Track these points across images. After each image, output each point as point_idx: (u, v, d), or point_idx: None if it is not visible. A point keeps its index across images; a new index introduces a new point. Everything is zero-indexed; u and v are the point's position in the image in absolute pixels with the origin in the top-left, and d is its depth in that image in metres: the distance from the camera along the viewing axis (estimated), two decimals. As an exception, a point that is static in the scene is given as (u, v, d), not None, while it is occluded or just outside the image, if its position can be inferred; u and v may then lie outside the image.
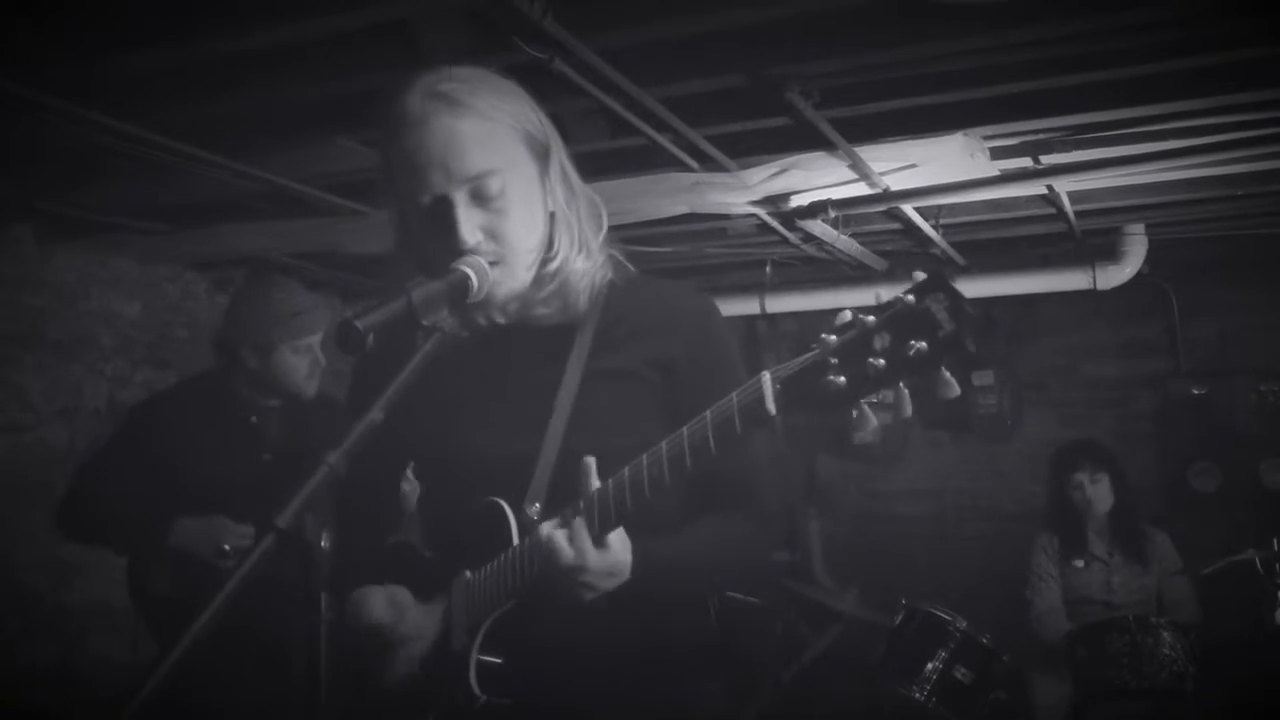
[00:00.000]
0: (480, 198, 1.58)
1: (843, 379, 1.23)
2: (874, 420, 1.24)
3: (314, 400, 3.41)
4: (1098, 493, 4.82)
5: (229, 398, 3.33)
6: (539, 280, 1.67)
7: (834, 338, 1.25)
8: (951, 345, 1.16)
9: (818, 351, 1.26)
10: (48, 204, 4.16)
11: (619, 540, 1.49)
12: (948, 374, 1.18)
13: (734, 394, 1.35)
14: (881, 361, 1.20)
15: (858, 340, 1.22)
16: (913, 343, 1.17)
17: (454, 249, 1.56)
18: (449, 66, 1.64)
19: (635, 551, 1.52)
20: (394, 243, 1.74)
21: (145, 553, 3.20)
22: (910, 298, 1.19)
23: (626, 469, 1.46)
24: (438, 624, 1.73)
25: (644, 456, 1.45)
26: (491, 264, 1.58)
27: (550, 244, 1.68)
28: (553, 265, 1.67)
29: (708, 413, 1.38)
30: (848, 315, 1.25)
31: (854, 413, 1.24)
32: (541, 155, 1.67)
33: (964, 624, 4.49)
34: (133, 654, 3.28)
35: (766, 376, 1.31)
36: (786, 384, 1.29)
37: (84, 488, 3.27)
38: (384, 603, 1.75)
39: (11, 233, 4.46)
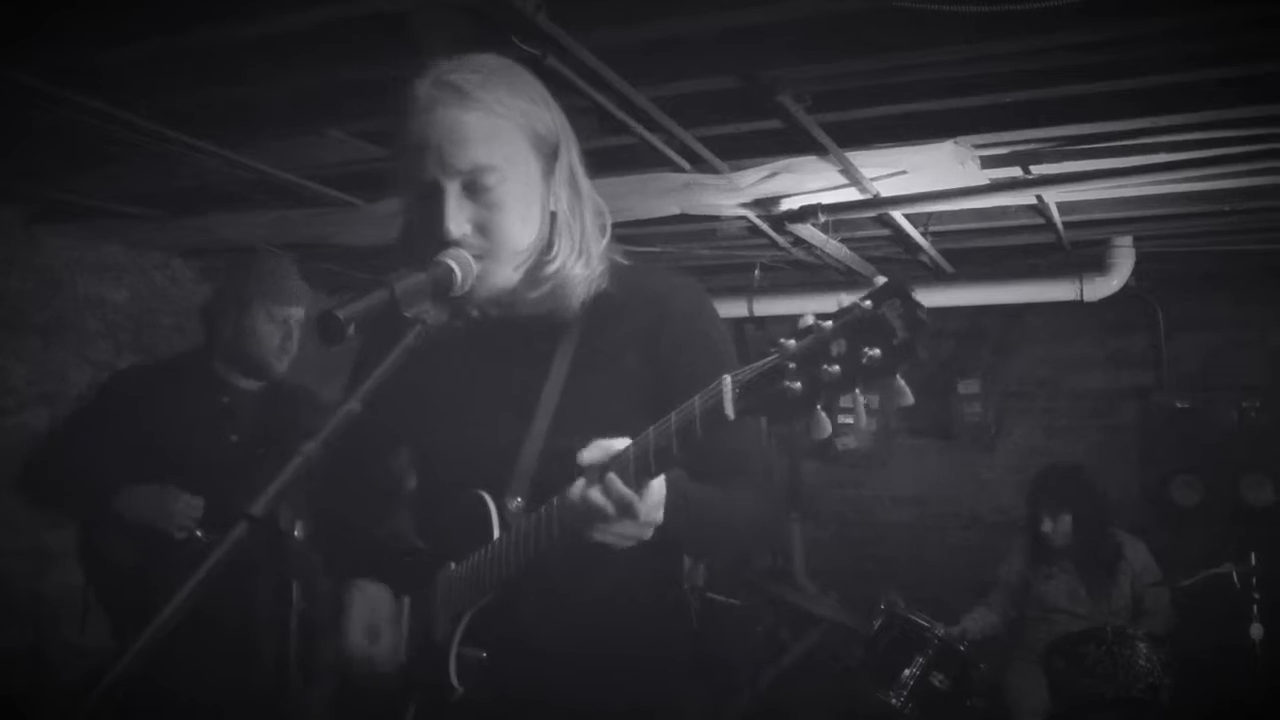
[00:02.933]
0: (473, 190, 1.57)
1: (799, 384, 1.22)
2: (829, 426, 1.23)
3: (288, 389, 3.42)
4: (1058, 531, 4.89)
5: (205, 376, 3.34)
6: (533, 280, 1.65)
7: (793, 342, 1.24)
8: (904, 353, 1.16)
9: (776, 356, 1.25)
10: (37, 188, 4.15)
11: (658, 483, 1.44)
12: (901, 382, 1.18)
13: (696, 398, 1.34)
14: (836, 368, 1.19)
15: (814, 346, 1.22)
16: (866, 350, 1.17)
17: (440, 238, 1.56)
18: (467, 54, 1.63)
19: (671, 488, 1.48)
20: (399, 230, 1.74)
21: (96, 520, 3.18)
22: (868, 304, 1.19)
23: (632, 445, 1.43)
24: (420, 617, 1.73)
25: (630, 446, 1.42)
26: (477, 258, 1.57)
27: (550, 245, 1.66)
28: (550, 267, 1.65)
29: (671, 415, 1.37)
30: (809, 319, 1.24)
31: (810, 419, 1.24)
32: (548, 155, 1.65)
33: (942, 631, 4.51)
34: (108, 639, 3.28)
35: (727, 380, 1.30)
36: (745, 388, 1.28)
37: (50, 450, 3.27)
38: (360, 619, 1.76)
39: (-1, 217, 4.45)
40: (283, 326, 3.33)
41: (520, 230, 1.62)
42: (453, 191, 1.56)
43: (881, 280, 1.21)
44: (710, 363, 1.39)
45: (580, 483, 1.44)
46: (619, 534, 1.44)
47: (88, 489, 3.17)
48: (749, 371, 1.28)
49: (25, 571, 4.42)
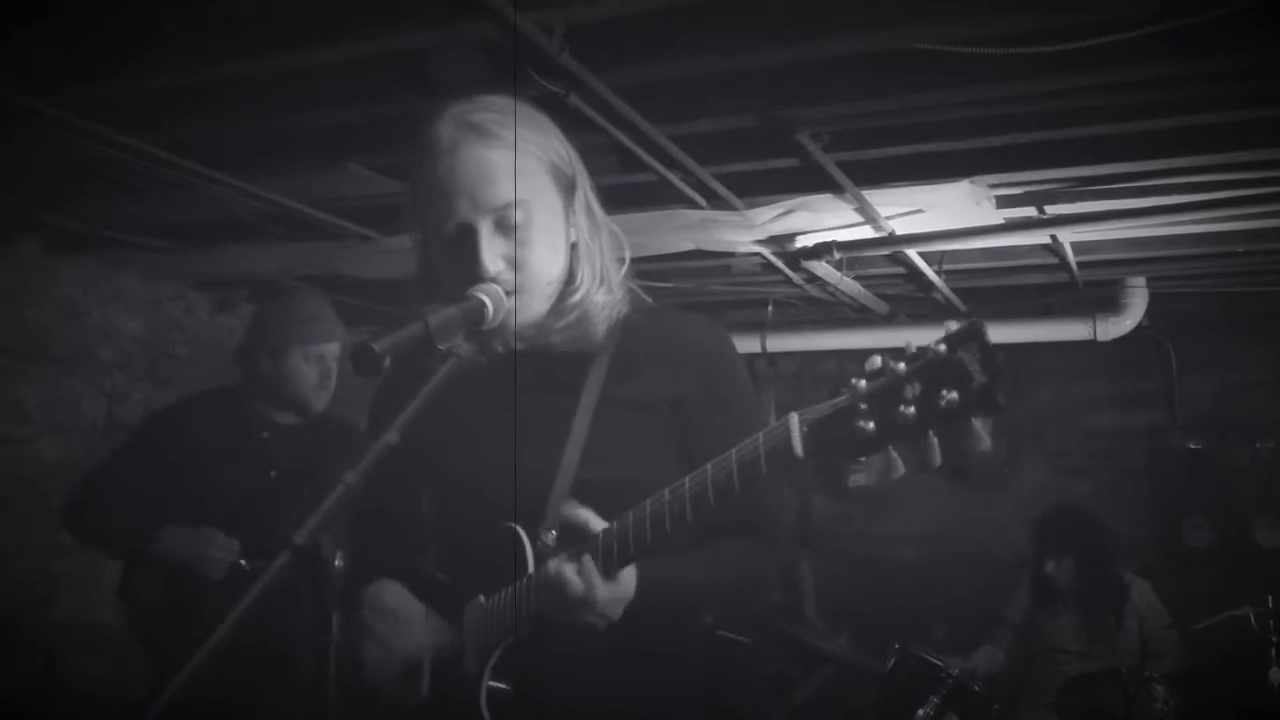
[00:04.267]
0: (504, 227, 1.59)
1: (872, 425, 1.23)
2: (901, 468, 1.25)
3: (327, 421, 3.42)
4: (1059, 572, 4.87)
5: (244, 412, 3.36)
6: (558, 310, 1.67)
7: (864, 383, 1.25)
8: (983, 397, 1.17)
9: (848, 396, 1.26)
10: (55, 218, 4.17)
11: (627, 570, 1.49)
12: (978, 425, 1.19)
13: (760, 435, 1.35)
14: (912, 410, 1.20)
15: (889, 387, 1.22)
16: (944, 393, 1.18)
17: (475, 276, 1.57)
18: (481, 95, 1.65)
19: (639, 573, 1.52)
20: (416, 267, 1.75)
21: (136, 559, 3.23)
22: (943, 348, 1.19)
23: (648, 503, 1.46)
24: (450, 647, 1.73)
25: (666, 492, 1.45)
26: (508, 293, 1.58)
27: (572, 276, 1.69)
28: (574, 297, 1.67)
29: (733, 452, 1.37)
30: (878, 362, 1.25)
31: (882, 459, 1.25)
32: (567, 188, 1.68)
33: (956, 670, 4.47)
34: (121, 669, 3.29)
35: (794, 419, 1.31)
36: (814, 427, 1.29)
37: (93, 488, 3.32)
38: (399, 596, 1.77)
39: (18, 245, 4.47)
40: (319, 364, 3.33)
41: (549, 262, 1.64)
42: (485, 229, 1.58)
43: (953, 325, 1.22)
44: (737, 415, 1.40)
45: (559, 563, 1.50)
46: (575, 618, 1.50)
47: (131, 528, 3.20)
48: (817, 410, 1.29)
49: (36, 599, 4.41)
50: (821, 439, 1.28)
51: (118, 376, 4.90)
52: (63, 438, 4.64)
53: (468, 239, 1.58)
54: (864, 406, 1.24)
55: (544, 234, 1.63)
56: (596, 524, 1.51)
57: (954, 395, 1.17)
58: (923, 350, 1.21)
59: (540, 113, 1.70)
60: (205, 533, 3.12)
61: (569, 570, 1.46)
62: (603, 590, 1.46)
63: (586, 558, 1.45)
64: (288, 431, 3.38)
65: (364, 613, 1.76)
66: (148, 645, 3.22)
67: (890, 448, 1.24)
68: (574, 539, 1.52)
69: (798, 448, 1.30)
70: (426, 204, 1.62)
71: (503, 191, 1.58)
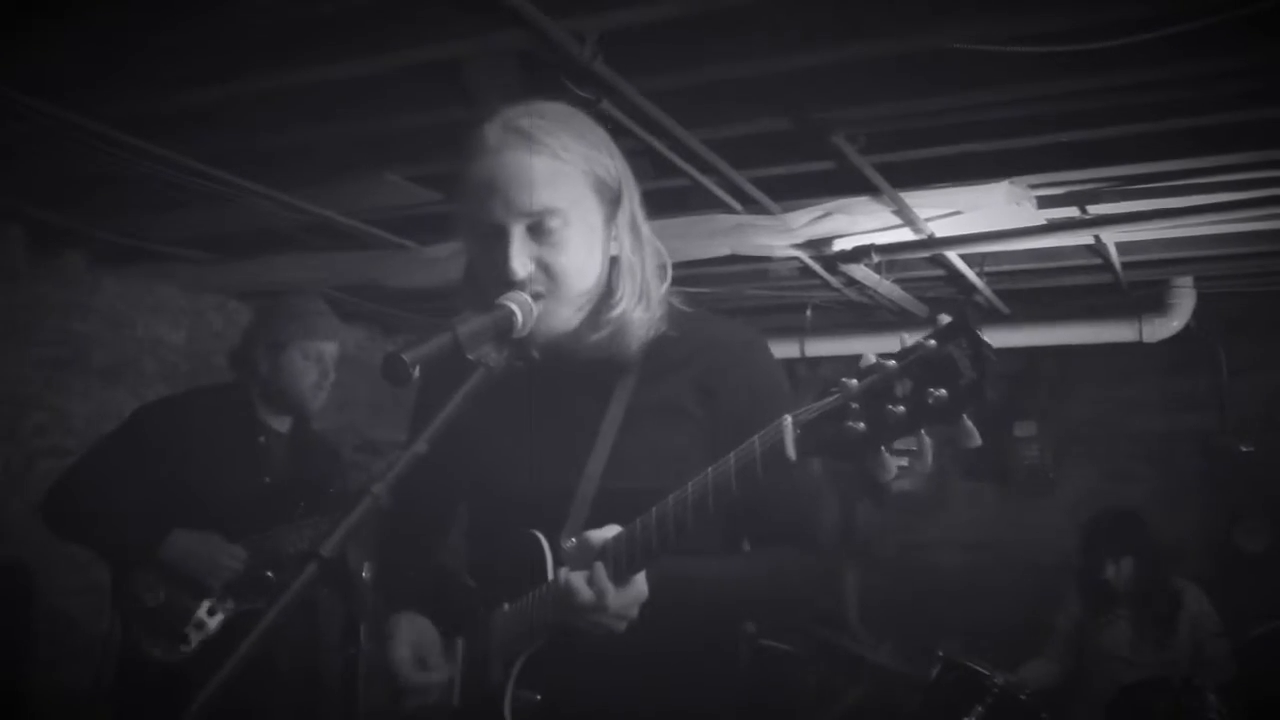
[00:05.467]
0: (538, 233, 1.59)
1: (863, 425, 1.20)
2: (894, 468, 1.21)
3: (315, 436, 3.45)
4: (1119, 575, 4.77)
5: (240, 414, 3.35)
6: (594, 323, 1.67)
7: (855, 382, 1.22)
8: (972, 394, 1.13)
9: (838, 396, 1.23)
10: (100, 231, 4.23)
11: (640, 580, 1.48)
12: (969, 423, 1.15)
13: (755, 438, 1.33)
14: (902, 408, 1.17)
15: (879, 386, 1.19)
16: (933, 390, 1.15)
17: (504, 279, 1.57)
18: (534, 101, 1.66)
19: (662, 572, 1.51)
20: (462, 271, 1.76)
21: (133, 559, 3.14)
22: (932, 343, 1.16)
23: (654, 510, 1.45)
24: (474, 657, 1.73)
25: (670, 498, 1.44)
26: (537, 297, 1.58)
27: (612, 290, 1.68)
28: (613, 312, 1.66)
29: (731, 455, 1.36)
30: (871, 359, 1.22)
31: (875, 459, 1.22)
32: (611, 201, 1.67)
33: (1002, 679, 4.40)
34: (93, 681, 3.26)
35: (788, 420, 1.29)
36: (807, 429, 1.27)
37: (73, 481, 3.20)
38: (407, 644, 1.77)
39: (64, 259, 4.54)
40: (318, 363, 3.35)
41: (582, 273, 1.63)
42: (517, 233, 1.58)
43: (945, 319, 1.18)
44: (769, 407, 1.38)
45: (566, 573, 1.49)
46: (589, 624, 1.49)
47: (113, 524, 3.14)
48: (810, 411, 1.27)
49: (86, 611, 4.46)
50: (814, 439, 1.26)
51: (160, 387, 4.94)
52: (108, 449, 4.70)
53: (500, 241, 1.58)
54: (855, 406, 1.21)
55: (580, 243, 1.62)
56: (611, 532, 1.50)
57: (943, 392, 1.14)
58: (913, 346, 1.18)
59: (594, 124, 1.70)
60: (212, 540, 3.11)
61: (576, 579, 1.46)
62: (614, 596, 1.45)
63: (598, 565, 1.44)
64: (281, 439, 3.39)
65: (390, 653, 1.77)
66: (140, 652, 3.13)
67: (923, 433, 1.20)
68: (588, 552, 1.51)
69: (790, 450, 1.28)
70: (468, 206, 1.63)
71: (539, 198, 1.57)
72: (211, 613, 3.12)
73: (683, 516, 1.42)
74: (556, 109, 1.66)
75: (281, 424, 3.40)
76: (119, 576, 3.21)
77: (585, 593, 1.44)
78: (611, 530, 1.47)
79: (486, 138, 1.60)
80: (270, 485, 3.30)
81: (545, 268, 1.60)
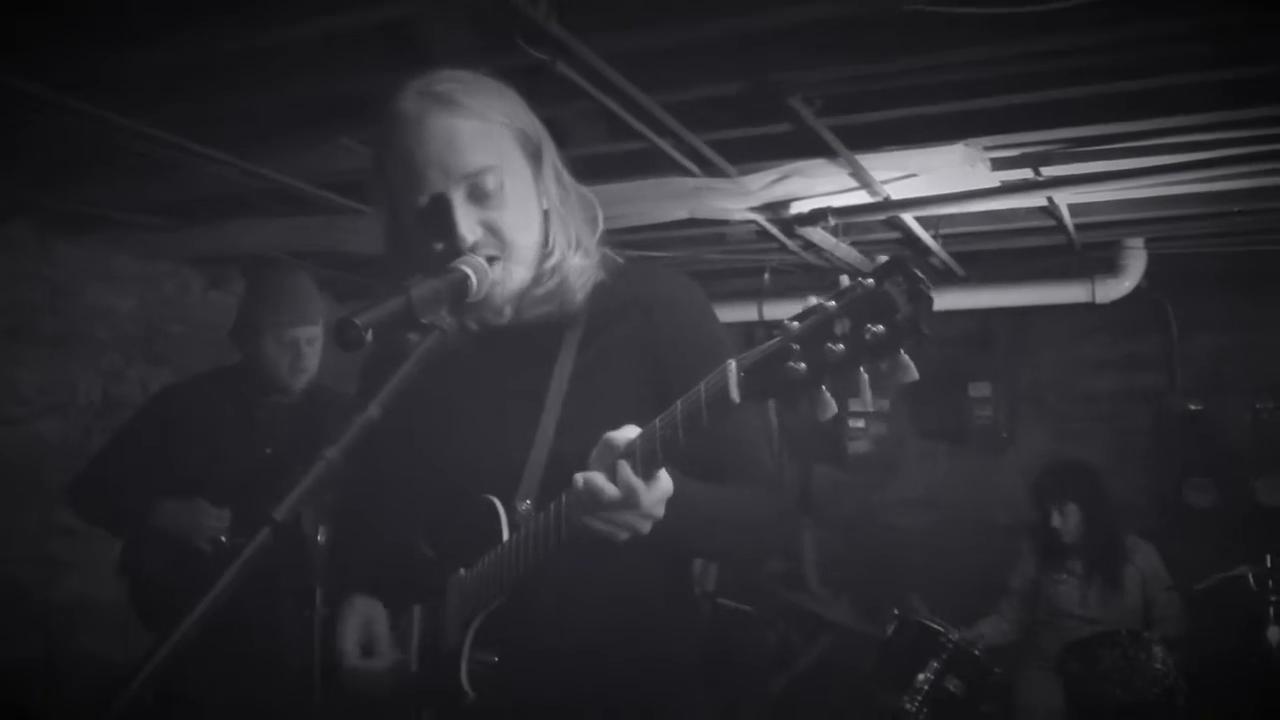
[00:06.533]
0: (477, 195, 1.59)
1: (803, 365, 1.22)
2: (834, 406, 1.22)
3: (321, 394, 3.43)
4: (1066, 524, 4.86)
5: (239, 391, 3.39)
6: (537, 278, 1.67)
7: (796, 324, 1.24)
8: (908, 328, 1.15)
9: (780, 338, 1.25)
10: (49, 199, 4.16)
11: (665, 476, 1.44)
12: (906, 358, 1.16)
13: (701, 384, 1.34)
14: (841, 346, 1.18)
15: (818, 326, 1.21)
16: (870, 327, 1.16)
17: (453, 247, 1.57)
18: (441, 69, 1.65)
19: (676, 485, 1.47)
20: (384, 244, 1.74)
21: (136, 533, 3.29)
22: (870, 281, 1.18)
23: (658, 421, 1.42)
24: (432, 623, 1.73)
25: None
26: (491, 260, 1.58)
27: (546, 242, 1.68)
28: (550, 263, 1.67)
29: (677, 404, 1.37)
30: (812, 300, 1.24)
31: (815, 399, 1.23)
32: (535, 155, 1.68)
33: (956, 635, 4.49)
34: (121, 648, 3.33)
35: (732, 365, 1.30)
36: (749, 371, 1.28)
37: (97, 468, 3.39)
38: (353, 634, 1.79)
39: (11, 227, 4.46)
40: (291, 349, 3.31)
41: (524, 229, 1.64)
42: (458, 198, 1.58)
43: (883, 258, 1.20)
44: (710, 358, 1.39)
45: (586, 473, 1.44)
46: (618, 524, 1.44)
47: (128, 506, 3.28)
48: (753, 355, 1.28)
49: (38, 580, 4.43)
50: (757, 382, 1.27)
51: (113, 355, 4.90)
52: (60, 418, 4.65)
53: (442, 209, 1.58)
54: (796, 347, 1.22)
55: (517, 200, 1.63)
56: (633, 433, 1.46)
57: (880, 328, 1.16)
58: (850, 286, 1.20)
59: (502, 82, 1.70)
60: (197, 504, 3.18)
61: (598, 478, 1.42)
62: (645, 492, 1.41)
63: (622, 463, 1.41)
64: (282, 409, 3.39)
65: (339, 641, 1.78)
66: (148, 619, 3.28)
67: (823, 388, 1.22)
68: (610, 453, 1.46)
69: (734, 393, 1.29)
70: (396, 178, 1.61)
71: (472, 158, 1.57)
72: None
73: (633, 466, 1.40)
74: (463, 73, 1.65)
75: (282, 396, 3.39)
76: (126, 550, 3.37)
77: (609, 489, 1.40)
78: (632, 430, 1.44)
79: (404, 109, 1.59)
80: (271, 455, 3.31)
81: (492, 229, 1.60)
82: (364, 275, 5.35)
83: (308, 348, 3.34)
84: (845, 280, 1.21)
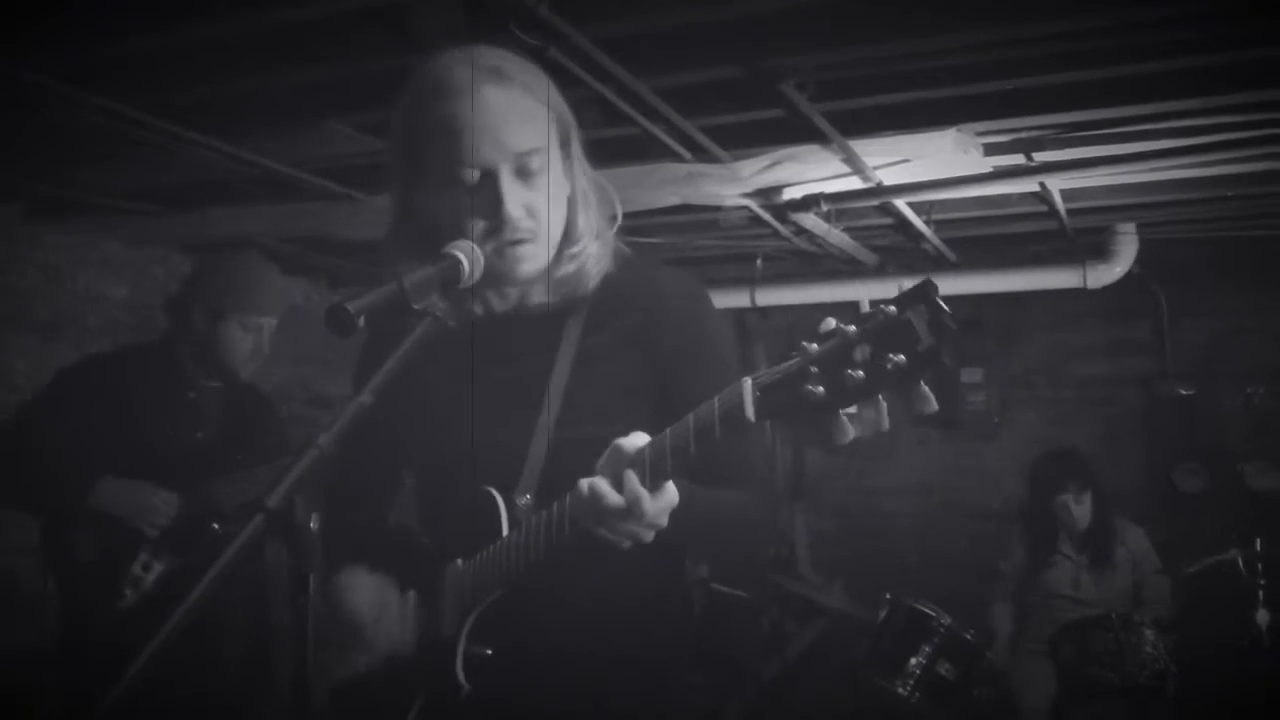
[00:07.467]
0: (524, 174, 1.56)
1: (821, 389, 1.21)
2: (852, 431, 1.23)
3: (249, 390, 3.42)
4: (1081, 511, 4.86)
5: (170, 370, 3.31)
6: (556, 263, 1.66)
7: (815, 346, 1.23)
8: (929, 360, 1.15)
9: (798, 360, 1.24)
10: (38, 185, 4.14)
11: (670, 488, 1.44)
12: (926, 389, 1.17)
13: (715, 399, 1.33)
14: (860, 373, 1.18)
15: (838, 350, 1.21)
16: (891, 356, 1.16)
17: (497, 225, 1.55)
18: (480, 45, 1.61)
19: (681, 492, 1.46)
20: (392, 222, 1.70)
21: (64, 514, 3.13)
22: (892, 309, 1.17)
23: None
24: (428, 612, 1.73)
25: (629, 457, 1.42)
26: (522, 242, 1.57)
27: (571, 227, 1.66)
28: (574, 248, 1.66)
29: (689, 416, 1.36)
30: (831, 323, 1.23)
31: (832, 424, 1.23)
32: (566, 140, 1.65)
33: (949, 620, 4.51)
34: (40, 634, 3.23)
35: (748, 383, 1.30)
36: (766, 391, 1.28)
37: (7, 442, 3.16)
38: (368, 596, 1.74)
39: (1, 214, 4.43)
40: (255, 335, 3.31)
41: (556, 213, 1.62)
42: (506, 176, 1.55)
43: (907, 285, 1.19)
44: (712, 360, 1.38)
45: (592, 479, 1.43)
46: (620, 532, 1.44)
47: (49, 484, 3.11)
48: (770, 374, 1.28)
49: (29, 570, 4.41)
50: (774, 402, 1.27)
51: (103, 342, 4.86)
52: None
53: (489, 185, 1.54)
54: (814, 370, 1.22)
55: (554, 184, 1.61)
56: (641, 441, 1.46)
57: (901, 359, 1.16)
58: (873, 312, 1.19)
59: (534, 63, 1.67)
60: (144, 486, 3.08)
61: (602, 485, 1.41)
62: (649, 502, 1.40)
63: (629, 472, 1.40)
64: (213, 393, 3.36)
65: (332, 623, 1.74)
66: (69, 601, 3.14)
67: (880, 398, 1.21)
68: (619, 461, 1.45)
69: (749, 412, 1.29)
70: (432, 150, 1.56)
71: (525, 137, 1.55)
72: (146, 567, 3.09)
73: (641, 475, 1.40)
74: (504, 51, 1.62)
75: (214, 381, 3.36)
76: (49, 532, 3.19)
77: (614, 497, 1.40)
78: (642, 438, 1.43)
79: (450, 77, 1.54)
80: (203, 440, 3.27)
81: (530, 209, 1.57)
82: (352, 261, 5.33)
83: (268, 334, 3.34)
84: (867, 305, 1.21)
